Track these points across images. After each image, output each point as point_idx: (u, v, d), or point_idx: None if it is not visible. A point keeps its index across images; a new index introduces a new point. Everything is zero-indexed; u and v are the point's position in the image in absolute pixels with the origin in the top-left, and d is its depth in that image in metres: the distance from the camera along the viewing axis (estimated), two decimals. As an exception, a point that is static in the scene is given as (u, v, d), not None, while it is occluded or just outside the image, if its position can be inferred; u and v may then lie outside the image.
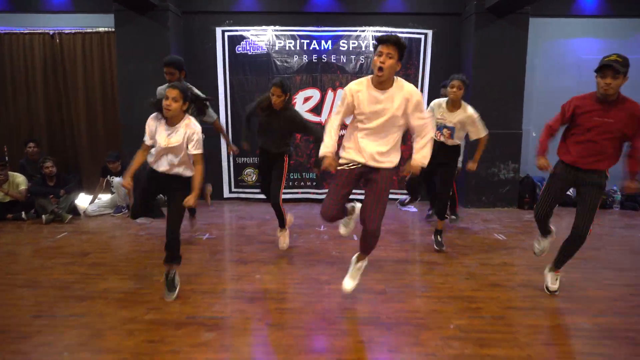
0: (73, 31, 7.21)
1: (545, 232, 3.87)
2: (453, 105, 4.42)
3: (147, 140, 3.40)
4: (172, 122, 3.28)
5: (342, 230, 3.87)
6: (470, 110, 4.39)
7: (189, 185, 3.35)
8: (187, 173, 3.41)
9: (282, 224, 4.64)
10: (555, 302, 3.46)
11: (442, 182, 4.69)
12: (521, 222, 6.11)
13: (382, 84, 2.96)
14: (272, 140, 4.41)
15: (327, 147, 3.14)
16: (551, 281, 3.59)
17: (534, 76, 7.28)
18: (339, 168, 3.19)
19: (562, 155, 3.42)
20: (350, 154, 3.18)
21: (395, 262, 4.36)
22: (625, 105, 3.14)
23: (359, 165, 3.15)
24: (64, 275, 3.99)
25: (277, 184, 4.45)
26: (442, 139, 4.50)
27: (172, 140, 3.26)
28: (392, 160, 3.14)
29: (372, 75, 3.01)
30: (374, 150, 3.08)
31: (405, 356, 2.69)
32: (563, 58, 7.34)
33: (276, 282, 3.87)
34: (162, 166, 3.36)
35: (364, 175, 3.19)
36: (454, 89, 4.29)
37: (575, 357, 2.69)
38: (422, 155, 3.10)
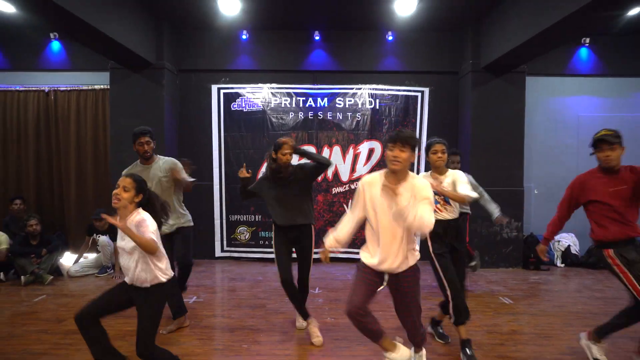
0: (68, 88, 7.20)
1: None
2: (440, 173, 3.62)
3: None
4: (121, 215, 2.76)
5: None
6: (458, 172, 3.67)
7: (156, 294, 2.77)
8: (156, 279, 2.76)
9: (305, 313, 3.88)
10: None
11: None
12: (527, 283, 5.79)
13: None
14: (291, 210, 3.79)
15: None
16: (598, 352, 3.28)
17: (534, 133, 7.20)
18: None
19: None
20: None
21: (394, 329, 4.03)
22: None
23: None
24: (34, 345, 3.65)
25: (306, 263, 3.89)
26: (443, 212, 3.53)
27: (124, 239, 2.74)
28: None
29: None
30: None
31: None
32: (562, 115, 7.29)
33: (265, 354, 3.53)
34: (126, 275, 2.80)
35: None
36: (438, 154, 3.55)
37: None
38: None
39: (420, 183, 2.74)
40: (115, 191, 2.71)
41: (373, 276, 2.82)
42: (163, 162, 4.13)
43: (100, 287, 5.58)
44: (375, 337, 2.82)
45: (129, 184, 2.73)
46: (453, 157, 5.00)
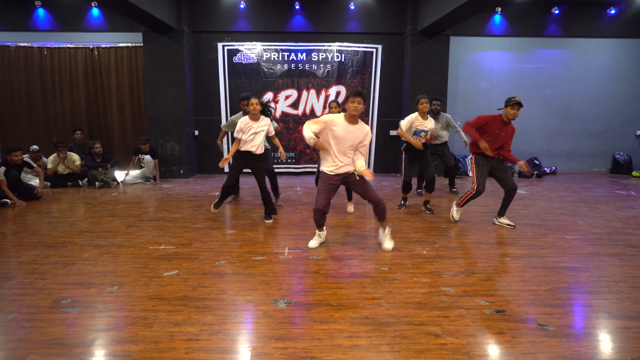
0: (108, 46, 9.41)
1: None
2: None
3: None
4: (253, 118, 5.41)
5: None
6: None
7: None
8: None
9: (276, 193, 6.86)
10: (430, 218, 5.83)
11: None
12: (442, 185, 8.52)
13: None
14: None
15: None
16: (456, 213, 5.62)
17: (458, 81, 9.72)
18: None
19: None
20: None
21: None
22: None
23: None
24: (133, 211, 6.27)
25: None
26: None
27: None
28: None
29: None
30: None
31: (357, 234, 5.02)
32: (479, 67, 9.79)
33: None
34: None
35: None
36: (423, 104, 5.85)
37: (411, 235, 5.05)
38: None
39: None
40: (253, 106, 5.32)
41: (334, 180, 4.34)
42: None
43: (149, 189, 8.17)
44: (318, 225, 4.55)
45: (258, 102, 5.36)
46: (435, 102, 7.42)
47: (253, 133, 5.41)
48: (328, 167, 4.33)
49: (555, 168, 9.98)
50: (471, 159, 5.46)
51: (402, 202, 6.51)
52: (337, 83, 9.53)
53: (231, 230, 5.25)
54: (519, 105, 5.07)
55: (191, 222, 5.62)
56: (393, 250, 4.42)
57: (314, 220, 4.54)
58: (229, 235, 5.04)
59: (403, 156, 6.31)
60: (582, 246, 4.63)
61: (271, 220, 5.64)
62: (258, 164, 5.57)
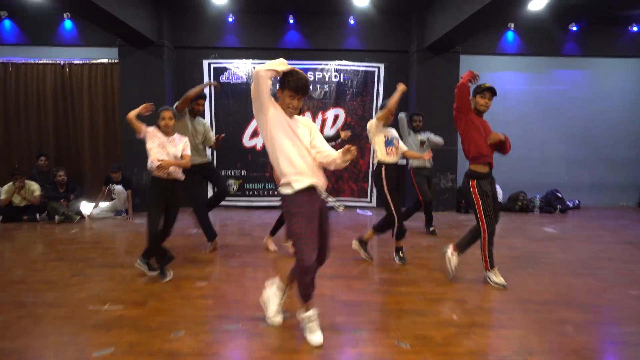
0: (81, 62, 8.45)
1: None
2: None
3: None
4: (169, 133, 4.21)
5: None
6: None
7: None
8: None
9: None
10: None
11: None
12: (456, 221, 7.46)
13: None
14: None
15: None
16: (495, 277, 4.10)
17: (469, 103, 8.75)
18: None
19: None
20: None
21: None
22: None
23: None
24: (88, 253, 5.15)
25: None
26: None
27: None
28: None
29: None
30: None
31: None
32: (492, 88, 8.85)
33: (249, 259, 5.10)
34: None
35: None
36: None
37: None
38: None
39: None
40: (165, 121, 4.11)
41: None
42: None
43: (118, 224, 7.06)
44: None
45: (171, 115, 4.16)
46: (416, 117, 6.54)
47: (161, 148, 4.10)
48: (301, 182, 2.79)
49: (579, 202, 8.94)
50: (472, 187, 4.18)
51: (401, 255, 4.87)
52: (336, 105, 8.56)
53: (202, 282, 4.12)
54: (491, 92, 4.03)
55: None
56: (414, 316, 3.30)
57: (301, 291, 2.88)
58: (198, 289, 3.92)
59: (384, 186, 4.71)
60: (658, 307, 3.54)
61: (167, 279, 4.16)
62: (175, 198, 4.20)
